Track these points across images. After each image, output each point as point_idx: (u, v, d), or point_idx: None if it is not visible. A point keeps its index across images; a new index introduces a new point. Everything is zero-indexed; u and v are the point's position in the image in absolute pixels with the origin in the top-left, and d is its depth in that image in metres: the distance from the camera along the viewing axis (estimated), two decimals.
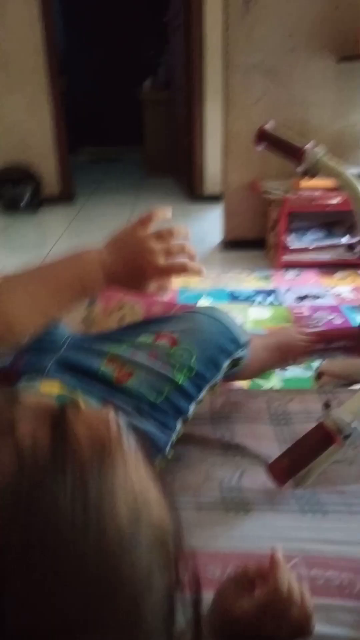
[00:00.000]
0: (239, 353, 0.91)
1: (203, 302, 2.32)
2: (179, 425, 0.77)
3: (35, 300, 0.62)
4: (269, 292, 2.43)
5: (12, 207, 3.92)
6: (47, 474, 0.32)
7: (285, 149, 0.90)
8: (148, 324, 0.92)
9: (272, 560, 0.55)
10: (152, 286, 0.69)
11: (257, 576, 0.54)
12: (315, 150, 0.86)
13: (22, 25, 3.82)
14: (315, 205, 2.60)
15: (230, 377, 0.94)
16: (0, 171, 4.00)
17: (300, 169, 0.88)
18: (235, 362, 0.91)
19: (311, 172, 0.87)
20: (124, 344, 0.85)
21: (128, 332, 0.91)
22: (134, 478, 0.36)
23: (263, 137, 0.92)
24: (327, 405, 0.73)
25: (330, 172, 0.87)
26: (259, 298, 2.37)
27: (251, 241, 3.04)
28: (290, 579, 0.54)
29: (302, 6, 2.58)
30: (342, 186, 0.87)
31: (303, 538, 0.65)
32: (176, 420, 0.77)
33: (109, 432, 0.37)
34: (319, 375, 1.30)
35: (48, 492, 0.32)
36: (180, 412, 0.79)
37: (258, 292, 2.43)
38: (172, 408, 0.78)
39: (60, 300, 0.64)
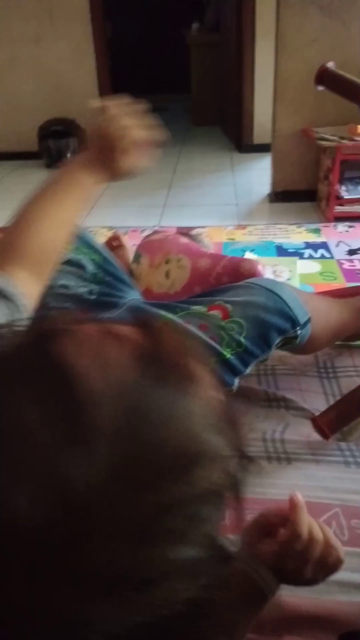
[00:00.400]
0: (296, 332, 0.87)
1: (249, 256, 2.26)
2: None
3: (57, 215, 0.65)
4: (319, 245, 2.34)
5: (58, 159, 3.90)
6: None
7: (348, 90, 0.83)
8: (205, 295, 0.91)
9: (292, 504, 0.55)
10: (127, 163, 0.74)
11: (278, 519, 0.55)
12: None
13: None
14: None
15: (294, 350, 0.90)
16: (45, 123, 3.95)
17: None
18: (289, 340, 0.87)
19: None
20: (178, 312, 0.84)
21: (185, 301, 0.91)
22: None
23: (324, 76, 0.85)
24: None
25: None
26: (308, 251, 2.29)
27: (301, 192, 2.92)
28: (311, 520, 0.54)
29: None
30: None
31: (344, 489, 0.64)
32: None
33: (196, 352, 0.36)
34: None
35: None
36: (224, 385, 0.77)
37: (307, 246, 2.35)
38: None
39: (76, 205, 0.68)
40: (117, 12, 5.74)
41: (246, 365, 0.80)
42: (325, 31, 2.56)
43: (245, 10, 3.69)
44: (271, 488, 0.66)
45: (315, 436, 0.72)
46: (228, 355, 0.79)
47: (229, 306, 0.82)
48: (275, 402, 0.83)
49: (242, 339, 0.80)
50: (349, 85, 0.84)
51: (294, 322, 0.85)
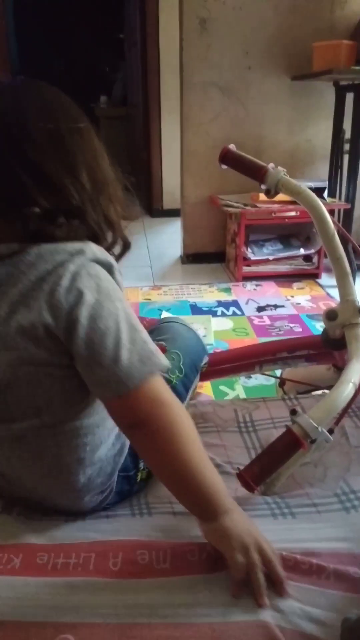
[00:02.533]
0: (206, 358, 1.01)
1: (165, 315, 2.33)
2: None
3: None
4: (230, 304, 2.47)
5: None
6: None
7: (249, 169, 0.94)
8: None
9: None
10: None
11: None
12: (276, 169, 0.90)
13: None
14: (273, 217, 2.67)
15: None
16: None
17: (263, 187, 0.92)
18: (203, 366, 1.01)
19: (273, 191, 0.91)
20: None
21: None
22: None
23: (227, 156, 0.95)
24: (293, 412, 0.75)
25: (291, 191, 0.91)
26: (220, 309, 2.40)
27: (211, 254, 3.08)
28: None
29: (258, 26, 2.66)
30: (303, 203, 0.91)
31: (275, 540, 0.67)
32: None
33: None
34: (282, 382, 1.33)
35: None
36: None
37: (219, 304, 2.46)
38: None
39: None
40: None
41: (187, 390, 0.91)
42: (225, 110, 2.80)
43: (150, 88, 3.95)
44: (202, 539, 0.68)
45: (242, 491, 0.75)
46: (174, 381, 0.88)
47: (162, 342, 0.92)
48: None
49: (182, 366, 0.90)
50: (249, 164, 0.94)
51: (205, 349, 1.02)
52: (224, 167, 0.95)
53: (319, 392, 1.23)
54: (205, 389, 1.63)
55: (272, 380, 1.56)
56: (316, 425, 0.72)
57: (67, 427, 0.66)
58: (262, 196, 2.67)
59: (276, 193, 0.91)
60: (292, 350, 1.14)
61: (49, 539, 0.69)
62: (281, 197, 2.91)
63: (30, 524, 0.72)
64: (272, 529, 0.69)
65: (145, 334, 0.63)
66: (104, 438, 0.70)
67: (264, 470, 0.74)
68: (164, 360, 0.63)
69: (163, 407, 0.62)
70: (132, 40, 4.33)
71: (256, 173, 0.92)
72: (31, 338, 0.60)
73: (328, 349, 1.02)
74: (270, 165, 0.91)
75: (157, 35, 3.75)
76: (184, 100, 2.80)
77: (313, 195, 0.90)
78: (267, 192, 0.92)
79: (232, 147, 0.95)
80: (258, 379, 1.73)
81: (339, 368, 1.14)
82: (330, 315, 0.93)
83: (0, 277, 0.61)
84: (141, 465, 0.78)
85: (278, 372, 1.40)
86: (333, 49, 2.45)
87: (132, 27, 4.24)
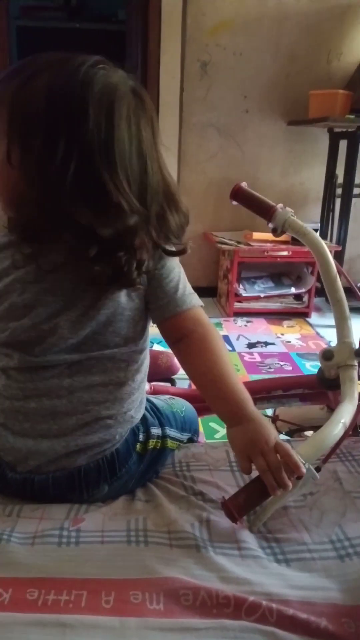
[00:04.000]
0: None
1: (157, 347, 2.33)
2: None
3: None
4: None
5: None
6: None
7: (258, 207, 0.96)
8: None
9: None
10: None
11: None
12: (285, 210, 0.93)
13: None
14: (266, 256, 2.71)
15: None
16: None
17: (270, 225, 0.95)
18: None
19: (280, 230, 0.93)
20: None
21: None
22: None
23: (238, 194, 0.98)
24: None
25: (297, 231, 0.93)
26: None
27: (203, 288, 3.10)
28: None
29: (256, 72, 2.76)
30: (308, 244, 0.93)
31: (268, 583, 0.66)
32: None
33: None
34: (274, 420, 1.33)
35: None
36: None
37: None
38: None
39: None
40: None
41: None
42: (222, 150, 2.87)
43: None
44: (200, 579, 0.68)
45: (238, 529, 0.74)
46: (182, 414, 0.97)
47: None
48: (194, 496, 0.85)
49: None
50: (259, 202, 0.97)
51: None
52: (235, 203, 0.98)
53: (311, 432, 1.24)
54: None
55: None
56: (303, 462, 0.73)
57: (135, 353, 0.82)
58: (256, 235, 2.74)
59: (282, 232, 0.94)
60: (286, 388, 1.14)
61: (40, 571, 0.67)
62: (273, 236, 2.95)
63: (22, 548, 0.70)
64: (264, 572, 0.69)
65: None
66: (144, 374, 0.86)
67: (249, 502, 0.74)
68: (199, 300, 0.84)
69: (203, 325, 0.81)
70: None
71: (265, 212, 0.95)
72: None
73: (323, 388, 1.03)
74: (279, 206, 0.94)
75: (158, 76, 3.86)
76: (182, 139, 2.87)
77: (318, 237, 0.93)
78: (274, 231, 0.95)
79: (243, 184, 0.98)
80: None
81: (332, 409, 1.14)
82: (327, 355, 0.94)
83: None
84: (141, 437, 0.85)
85: (269, 410, 1.40)
86: (329, 97, 2.55)
87: (134, 66, 4.37)
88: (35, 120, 0.67)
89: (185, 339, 0.81)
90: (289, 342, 2.46)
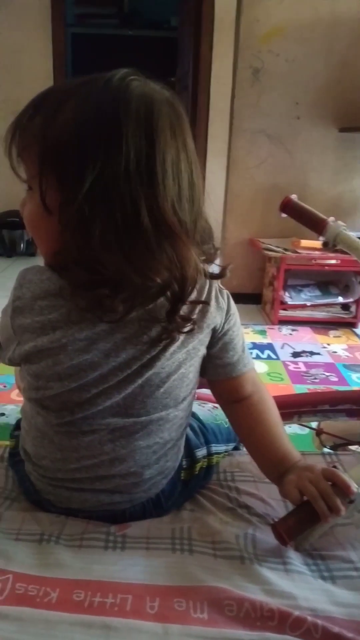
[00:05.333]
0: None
1: None
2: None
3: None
4: (265, 346, 2.46)
5: (12, 249, 3.97)
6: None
7: (308, 220, 0.95)
8: None
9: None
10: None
11: None
12: (336, 223, 0.92)
13: (37, 78, 3.98)
14: (313, 264, 2.67)
15: None
16: (1, 214, 4.05)
17: (321, 239, 0.94)
18: None
19: (331, 244, 0.92)
20: None
21: None
22: None
23: (288, 206, 0.97)
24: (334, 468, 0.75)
25: (349, 246, 0.92)
26: (255, 352, 2.39)
27: (247, 295, 3.09)
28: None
29: (308, 78, 2.74)
30: None
31: (313, 599, 0.65)
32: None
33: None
34: (318, 432, 1.31)
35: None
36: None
37: (254, 346, 2.46)
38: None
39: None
40: None
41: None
42: (271, 156, 2.86)
43: (198, 131, 4.06)
44: (244, 590, 0.68)
45: (279, 544, 0.74)
46: (227, 424, 0.91)
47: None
48: (239, 508, 0.85)
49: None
50: (309, 215, 0.96)
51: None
52: (284, 215, 0.97)
53: (357, 446, 1.21)
54: None
55: (307, 430, 1.54)
56: (356, 487, 0.71)
57: (183, 414, 0.77)
58: (304, 242, 2.71)
59: (334, 246, 0.93)
60: (334, 403, 1.13)
61: (86, 574, 0.69)
62: (321, 245, 2.89)
63: (69, 550, 0.72)
64: (309, 588, 0.68)
65: None
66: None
67: (298, 525, 0.74)
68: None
69: (260, 389, 0.81)
70: (183, 84, 4.48)
71: (316, 225, 0.94)
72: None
73: None
74: (331, 219, 0.93)
75: (209, 82, 3.88)
76: (232, 145, 2.87)
77: None
78: (325, 245, 0.94)
79: (294, 197, 0.97)
80: (292, 428, 1.71)
81: None
82: None
83: None
84: (184, 463, 0.82)
85: (313, 423, 1.38)
86: None
87: (185, 72, 4.40)
88: (68, 156, 0.58)
89: (245, 402, 0.80)
90: (335, 352, 2.42)
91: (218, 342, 0.75)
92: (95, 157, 0.57)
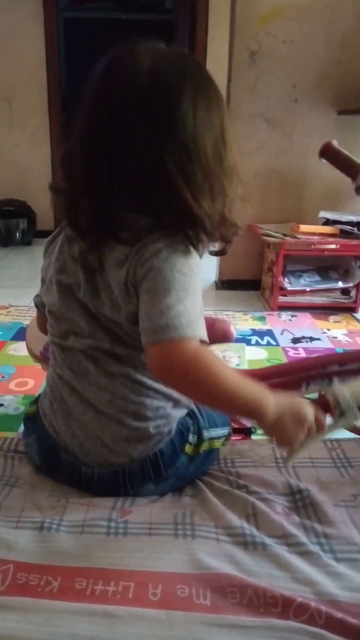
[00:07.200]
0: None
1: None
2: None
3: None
4: (265, 333, 2.45)
5: (7, 238, 3.94)
6: None
7: (346, 165, 0.97)
8: None
9: None
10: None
11: None
12: None
13: (30, 63, 3.93)
14: (312, 249, 2.66)
15: None
16: None
17: (355, 184, 0.96)
18: None
19: None
20: None
21: None
22: None
23: (327, 151, 0.98)
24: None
25: None
26: (254, 338, 2.38)
27: (246, 281, 3.08)
28: None
29: (306, 60, 2.70)
30: None
31: (317, 581, 0.65)
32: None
33: None
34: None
35: None
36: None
37: (254, 332, 2.45)
38: None
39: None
40: (73, 104, 6.05)
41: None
42: (270, 140, 2.82)
43: None
44: (248, 575, 0.67)
45: (285, 526, 0.74)
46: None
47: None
48: (238, 489, 0.84)
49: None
50: (347, 161, 0.97)
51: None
52: (324, 161, 0.99)
53: None
54: None
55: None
56: (348, 398, 0.73)
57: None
58: (303, 227, 2.68)
59: None
60: (343, 363, 1.11)
61: (88, 561, 0.68)
62: (320, 229, 2.86)
63: (70, 537, 0.71)
64: (313, 570, 0.68)
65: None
66: None
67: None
68: None
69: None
70: None
71: (351, 170, 0.96)
72: None
73: None
74: None
75: (205, 65, 3.82)
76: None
77: None
78: (358, 189, 0.95)
79: (334, 142, 0.98)
80: None
81: None
82: None
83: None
84: (191, 438, 0.83)
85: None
86: None
87: None
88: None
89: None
90: (335, 337, 2.41)
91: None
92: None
